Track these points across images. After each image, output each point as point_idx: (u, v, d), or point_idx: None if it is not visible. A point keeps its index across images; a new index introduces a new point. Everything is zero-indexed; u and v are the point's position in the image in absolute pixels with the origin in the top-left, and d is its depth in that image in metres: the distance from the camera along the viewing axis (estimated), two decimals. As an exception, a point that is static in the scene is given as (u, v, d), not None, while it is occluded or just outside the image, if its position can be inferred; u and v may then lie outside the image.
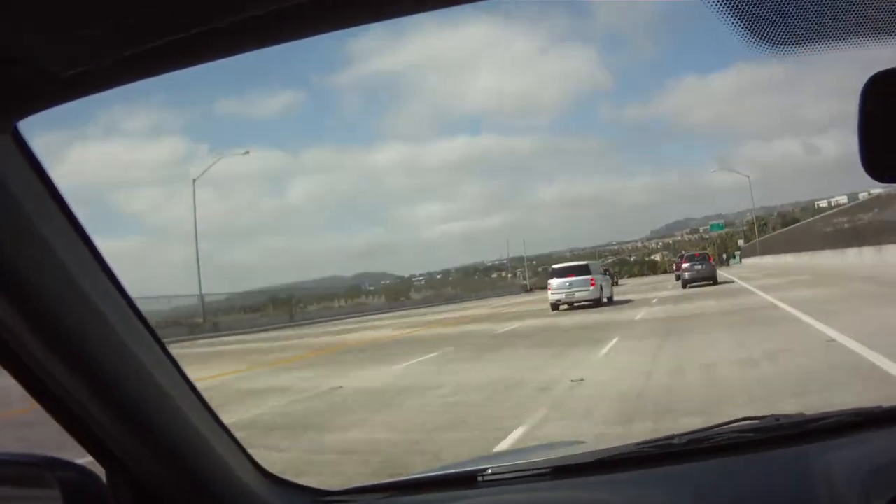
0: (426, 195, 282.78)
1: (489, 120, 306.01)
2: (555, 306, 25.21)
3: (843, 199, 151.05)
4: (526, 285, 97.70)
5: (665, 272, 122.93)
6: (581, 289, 24.80)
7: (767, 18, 0.85)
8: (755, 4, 0.84)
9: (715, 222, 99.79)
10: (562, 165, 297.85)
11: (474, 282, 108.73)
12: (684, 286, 32.22)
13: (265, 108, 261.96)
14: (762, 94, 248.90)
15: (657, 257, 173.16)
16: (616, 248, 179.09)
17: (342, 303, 60.92)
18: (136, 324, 1.05)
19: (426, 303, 61.39)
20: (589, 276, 25.12)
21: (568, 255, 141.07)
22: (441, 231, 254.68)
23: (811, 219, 43.42)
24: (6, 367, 0.99)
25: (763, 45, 0.85)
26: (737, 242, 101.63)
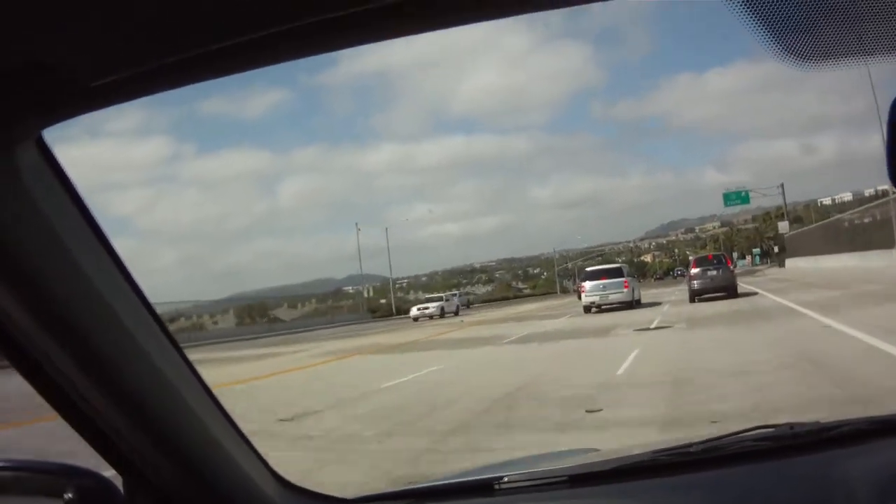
0: (418, 196, 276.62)
1: (482, 119, 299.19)
2: (587, 309, 25.88)
3: (847, 196, 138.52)
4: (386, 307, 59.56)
5: (655, 276, 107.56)
6: (615, 291, 25.63)
7: (795, 30, 0.83)
8: (783, 16, 0.82)
9: (734, 191, 57.64)
10: (555, 165, 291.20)
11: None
12: (692, 299, 23.98)
13: (253, 107, 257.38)
14: (759, 93, 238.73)
15: (647, 258, 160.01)
16: (607, 249, 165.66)
17: (198, 320, 45.59)
18: (155, 330, 1.04)
19: (272, 330, 44.30)
20: (623, 279, 26.00)
21: (556, 256, 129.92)
22: (432, 232, 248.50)
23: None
24: (23, 374, 0.99)
25: (789, 57, 0.84)
26: (774, 230, 64.97)
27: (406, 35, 0.78)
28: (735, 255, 72.92)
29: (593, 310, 25.48)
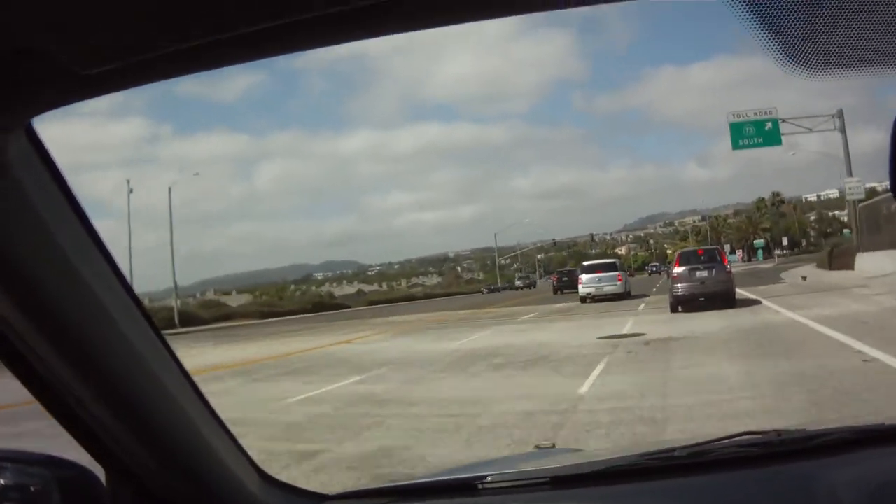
0: (396, 183, 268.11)
1: (461, 107, 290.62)
2: (583, 300, 27.79)
3: (833, 192, 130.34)
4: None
5: (630, 273, 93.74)
6: (609, 284, 27.61)
7: (802, 39, 0.81)
8: (790, 24, 0.81)
9: (751, 119, 28.35)
10: (535, 156, 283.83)
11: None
12: (674, 308, 18.00)
13: (228, 90, 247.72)
14: (742, 88, 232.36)
15: (622, 250, 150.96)
16: (581, 240, 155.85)
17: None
18: (141, 323, 1.04)
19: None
20: (616, 273, 28.33)
21: (531, 246, 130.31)
22: (411, 220, 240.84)
23: None
24: (6, 364, 0.98)
25: (795, 66, 0.83)
26: (770, 220, 41.66)
27: (405, 31, 0.76)
28: (727, 248, 59.21)
29: (588, 300, 27.30)
